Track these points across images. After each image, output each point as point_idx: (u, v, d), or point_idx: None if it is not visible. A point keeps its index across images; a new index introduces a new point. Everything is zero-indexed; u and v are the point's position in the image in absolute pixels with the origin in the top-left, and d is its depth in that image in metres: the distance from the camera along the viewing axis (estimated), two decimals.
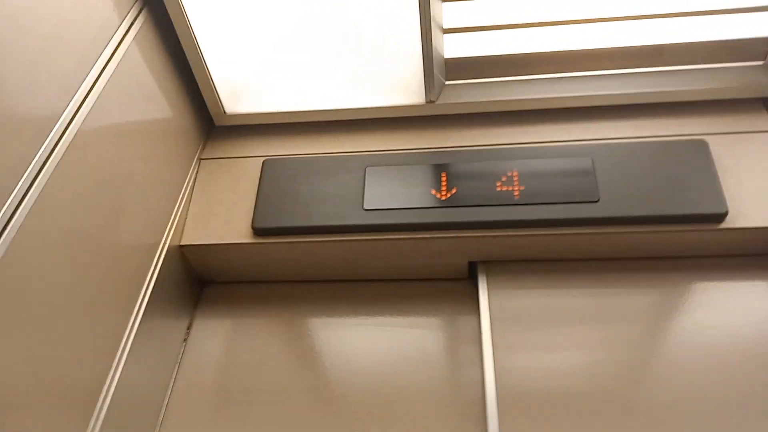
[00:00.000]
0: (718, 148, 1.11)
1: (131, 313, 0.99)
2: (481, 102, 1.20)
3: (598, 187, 1.07)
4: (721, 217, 1.02)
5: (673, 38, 1.14)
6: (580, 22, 1.13)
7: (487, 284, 1.11)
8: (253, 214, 1.13)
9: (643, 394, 0.96)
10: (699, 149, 1.09)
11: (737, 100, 1.18)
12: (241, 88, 1.23)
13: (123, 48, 0.99)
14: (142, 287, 1.03)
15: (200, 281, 1.24)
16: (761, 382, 0.95)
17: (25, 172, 0.77)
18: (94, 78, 0.92)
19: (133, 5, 1.03)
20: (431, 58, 1.12)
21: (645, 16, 1.11)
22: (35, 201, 0.78)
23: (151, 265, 1.06)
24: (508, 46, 1.18)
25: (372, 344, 1.12)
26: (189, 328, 1.18)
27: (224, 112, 1.26)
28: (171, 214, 1.13)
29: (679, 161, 1.08)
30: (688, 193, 1.04)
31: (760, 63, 1.17)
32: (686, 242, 1.07)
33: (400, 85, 1.19)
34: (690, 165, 1.08)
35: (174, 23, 1.10)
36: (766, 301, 1.04)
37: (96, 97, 0.91)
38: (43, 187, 0.79)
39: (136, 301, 1.01)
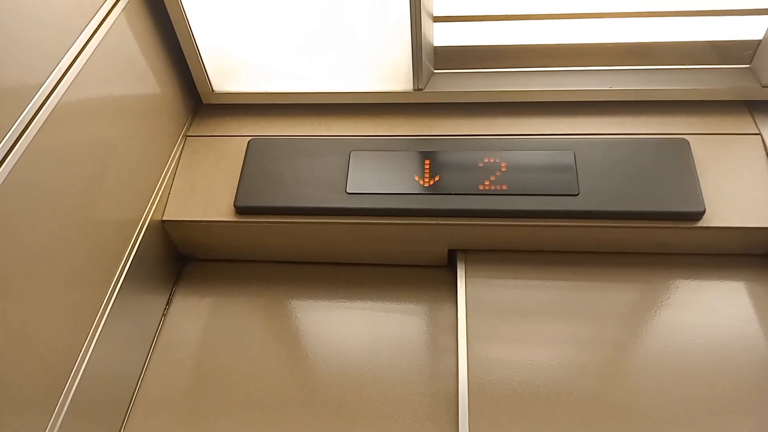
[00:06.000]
0: (700, 148, 1.12)
1: (109, 286, 1.00)
2: (468, 92, 1.20)
3: (579, 181, 1.08)
4: (698, 215, 1.04)
5: (661, 37, 1.15)
6: (570, 17, 1.13)
7: (466, 272, 1.12)
8: (236, 192, 1.14)
9: (614, 389, 0.97)
10: (680, 148, 1.10)
11: (721, 102, 1.19)
12: (229, 67, 1.22)
13: (110, 20, 0.99)
14: (121, 261, 1.03)
15: (181, 257, 1.25)
16: (733, 380, 0.96)
17: (0, 141, 0.77)
18: (79, 49, 0.91)
19: None
20: (420, 46, 1.12)
21: (633, 14, 1.11)
22: (11, 170, 0.77)
23: (131, 239, 1.06)
24: (497, 37, 1.18)
25: (350, 327, 1.13)
26: (168, 303, 1.19)
27: (212, 90, 1.25)
28: (154, 190, 1.13)
29: (659, 159, 1.09)
30: (666, 191, 1.05)
31: (746, 66, 1.18)
32: (664, 239, 1.09)
33: (389, 72, 1.19)
34: (670, 163, 1.09)
35: None
36: (740, 300, 1.05)
37: (80, 68, 0.91)
38: (20, 158, 0.79)
39: (115, 274, 1.01)
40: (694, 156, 1.10)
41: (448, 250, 1.16)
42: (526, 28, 1.16)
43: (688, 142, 1.11)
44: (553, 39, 1.17)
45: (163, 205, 1.15)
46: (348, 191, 1.11)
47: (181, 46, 1.18)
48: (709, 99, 1.18)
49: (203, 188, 1.17)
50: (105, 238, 0.99)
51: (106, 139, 0.99)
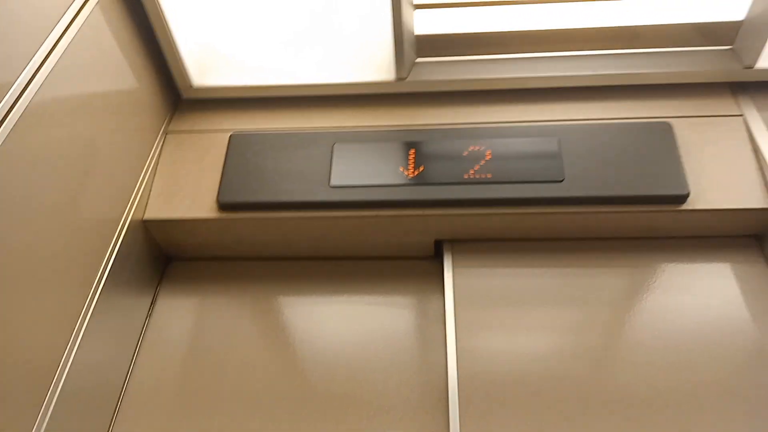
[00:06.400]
0: (684, 131, 1.12)
1: (91, 287, 0.98)
2: (451, 80, 1.19)
3: (564, 168, 1.07)
4: (683, 198, 1.04)
5: (642, 20, 1.15)
6: (552, 2, 1.12)
7: (453, 263, 1.11)
8: (219, 188, 1.12)
9: (605, 375, 0.97)
10: (663, 132, 1.10)
11: (704, 84, 1.18)
12: (209, 61, 1.21)
13: (85, 14, 0.96)
14: (102, 261, 1.01)
15: (165, 257, 1.23)
16: (723, 362, 0.97)
17: None
18: (52, 44, 0.89)
19: None
20: (402, 35, 1.11)
21: None
22: None
23: (112, 239, 1.04)
24: (479, 23, 1.17)
25: (337, 322, 1.12)
26: (152, 304, 1.17)
27: (191, 84, 1.23)
28: (134, 188, 1.11)
29: (643, 143, 1.09)
30: (651, 175, 1.05)
31: (728, 47, 1.18)
32: (649, 223, 1.09)
33: (371, 62, 1.18)
34: (654, 147, 1.08)
35: None
36: (728, 282, 1.06)
37: (54, 64, 0.88)
38: None
39: (96, 275, 0.99)
40: (677, 139, 1.10)
41: (435, 241, 1.15)
42: (508, 14, 1.16)
43: (671, 125, 1.11)
44: (535, 25, 1.16)
45: (144, 203, 1.13)
46: (332, 184, 1.10)
47: (159, 41, 1.15)
48: (692, 81, 1.18)
49: (185, 185, 1.15)
50: (85, 239, 0.97)
51: (83, 136, 0.97)
